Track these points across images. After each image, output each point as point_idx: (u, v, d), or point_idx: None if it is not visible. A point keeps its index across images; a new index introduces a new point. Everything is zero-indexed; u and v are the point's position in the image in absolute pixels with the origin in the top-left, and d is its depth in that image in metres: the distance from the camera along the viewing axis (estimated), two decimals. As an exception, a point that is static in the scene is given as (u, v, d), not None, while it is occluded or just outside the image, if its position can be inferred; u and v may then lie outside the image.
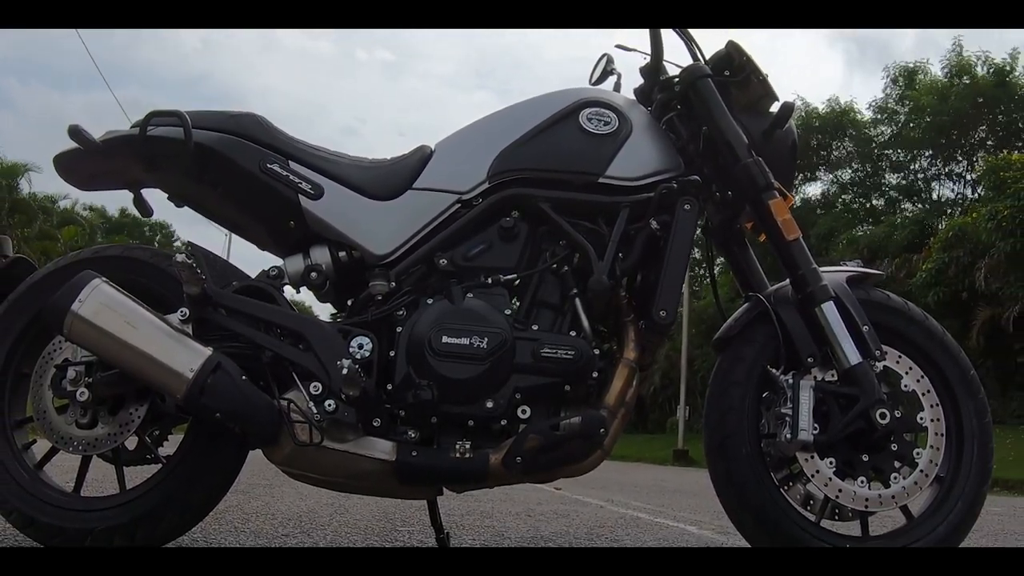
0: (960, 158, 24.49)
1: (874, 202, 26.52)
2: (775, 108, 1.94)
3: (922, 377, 1.87)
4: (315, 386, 1.67)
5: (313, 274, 1.82)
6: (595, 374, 1.74)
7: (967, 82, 22.68)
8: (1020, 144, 20.84)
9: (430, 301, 1.76)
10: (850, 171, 26.56)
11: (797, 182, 24.56)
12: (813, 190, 27.08)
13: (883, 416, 1.76)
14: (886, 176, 26.23)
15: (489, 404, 1.70)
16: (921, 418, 1.83)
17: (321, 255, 1.84)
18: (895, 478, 1.79)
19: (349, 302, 1.86)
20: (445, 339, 1.70)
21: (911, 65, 24.62)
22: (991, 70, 22.55)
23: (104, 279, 1.70)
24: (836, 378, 1.81)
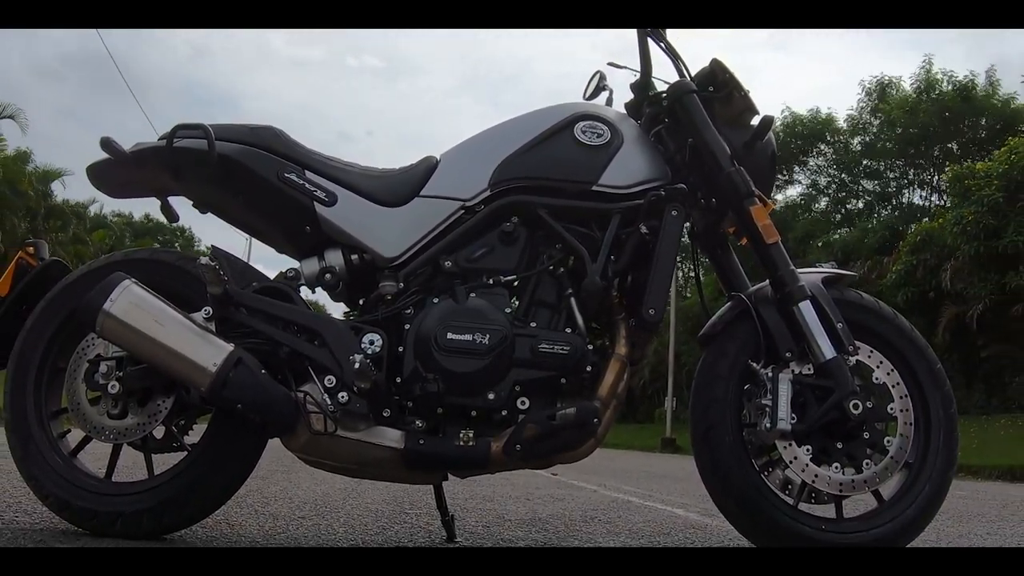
0: (928, 168, 24.46)
1: (848, 207, 26.48)
2: (756, 121, 1.95)
3: (892, 370, 1.87)
4: (329, 379, 1.68)
5: (327, 275, 1.83)
6: (589, 368, 1.74)
7: (935, 96, 22.65)
8: (982, 154, 20.78)
9: (436, 300, 1.77)
10: (827, 177, 26.53)
11: (779, 184, 24.62)
12: (793, 191, 27.08)
13: (856, 407, 1.77)
14: (860, 183, 26.18)
15: (491, 396, 1.70)
16: (891, 409, 1.84)
17: (335, 258, 1.85)
18: (867, 464, 1.80)
19: (361, 301, 1.87)
20: (450, 335, 1.70)
21: (884, 79, 24.59)
22: (956, 87, 22.51)
23: (134, 280, 1.70)
24: (812, 371, 1.82)
